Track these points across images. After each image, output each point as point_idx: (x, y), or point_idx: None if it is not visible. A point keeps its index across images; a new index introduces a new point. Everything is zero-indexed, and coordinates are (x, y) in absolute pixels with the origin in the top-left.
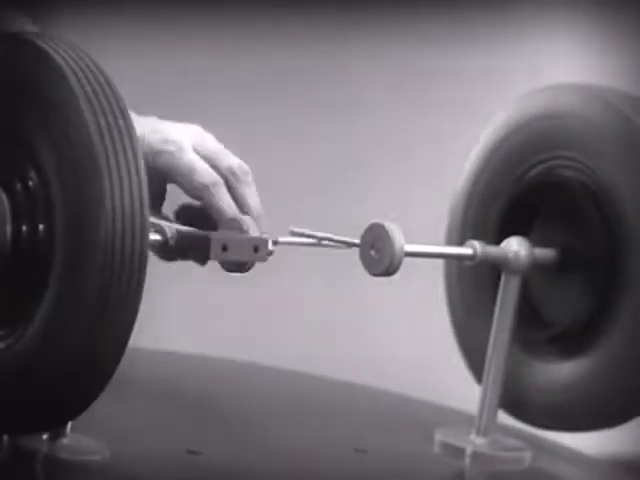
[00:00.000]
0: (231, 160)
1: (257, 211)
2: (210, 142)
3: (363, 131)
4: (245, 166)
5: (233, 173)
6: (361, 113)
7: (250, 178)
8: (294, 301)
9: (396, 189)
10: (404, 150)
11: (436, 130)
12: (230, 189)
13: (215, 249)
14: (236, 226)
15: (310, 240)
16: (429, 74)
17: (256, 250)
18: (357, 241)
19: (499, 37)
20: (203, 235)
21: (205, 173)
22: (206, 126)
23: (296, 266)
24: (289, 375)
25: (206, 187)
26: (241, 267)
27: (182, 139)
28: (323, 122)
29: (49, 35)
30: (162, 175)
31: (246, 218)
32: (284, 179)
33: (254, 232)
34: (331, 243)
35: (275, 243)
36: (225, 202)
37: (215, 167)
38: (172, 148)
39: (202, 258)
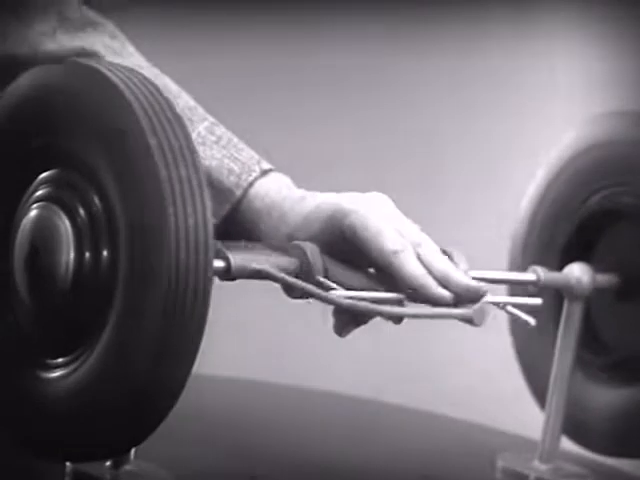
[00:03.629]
0: (415, 229)
1: (444, 271)
2: (395, 211)
3: (424, 156)
4: (429, 238)
5: (418, 243)
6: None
7: (435, 249)
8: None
9: (459, 213)
10: (466, 173)
11: (495, 158)
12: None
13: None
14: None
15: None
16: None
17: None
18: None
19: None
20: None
21: (393, 237)
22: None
23: None
24: (350, 402)
25: (395, 252)
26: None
27: (369, 202)
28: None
29: (115, 64)
30: (348, 236)
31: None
32: None
33: (463, 284)
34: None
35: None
36: (414, 268)
37: (400, 234)
38: (360, 210)
39: None
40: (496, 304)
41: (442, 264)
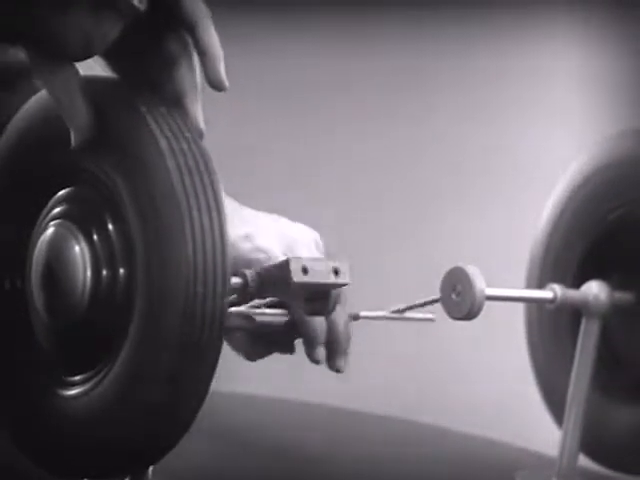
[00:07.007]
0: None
1: (343, 335)
2: (302, 248)
3: (443, 171)
4: None
5: None
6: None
7: (343, 297)
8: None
9: (476, 231)
10: (483, 192)
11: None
12: None
13: (296, 271)
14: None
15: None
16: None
17: (336, 273)
18: (431, 316)
19: None
20: (282, 261)
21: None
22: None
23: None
24: (369, 418)
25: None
26: (322, 307)
27: (272, 247)
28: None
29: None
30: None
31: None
32: (363, 216)
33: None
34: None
35: (356, 318)
36: (316, 321)
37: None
38: (262, 257)
39: (283, 289)
40: (396, 312)
41: None
